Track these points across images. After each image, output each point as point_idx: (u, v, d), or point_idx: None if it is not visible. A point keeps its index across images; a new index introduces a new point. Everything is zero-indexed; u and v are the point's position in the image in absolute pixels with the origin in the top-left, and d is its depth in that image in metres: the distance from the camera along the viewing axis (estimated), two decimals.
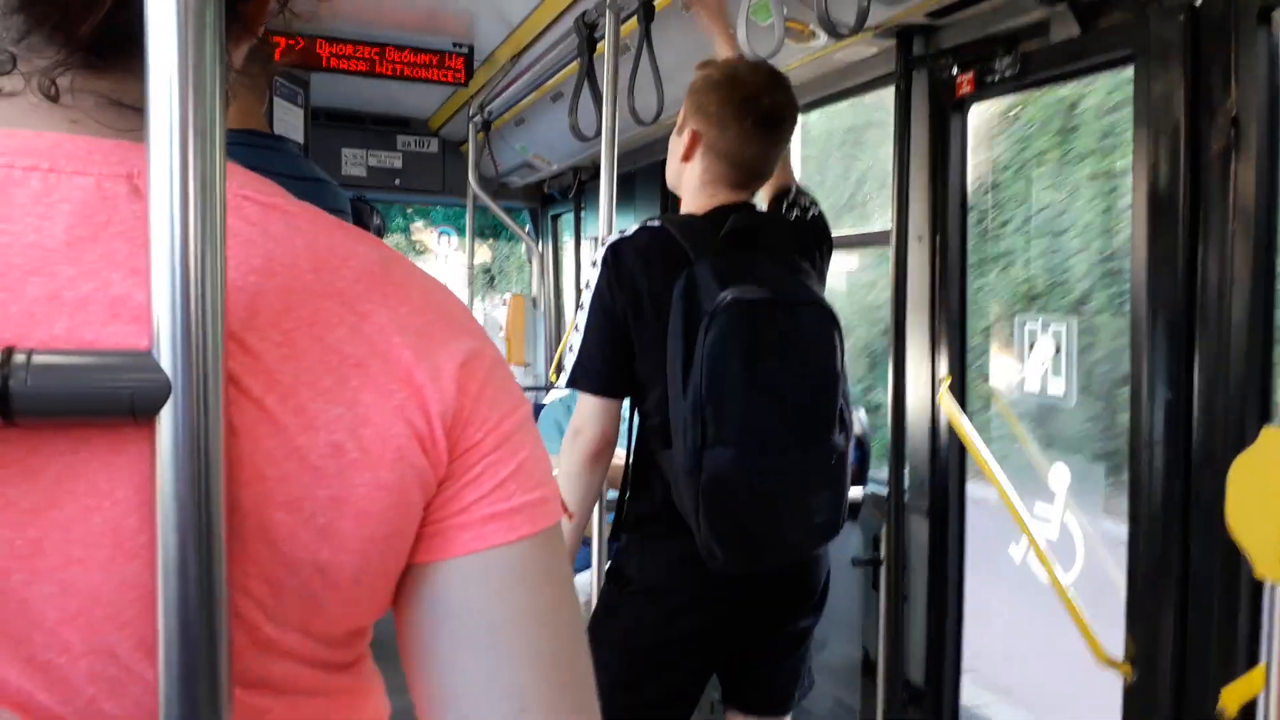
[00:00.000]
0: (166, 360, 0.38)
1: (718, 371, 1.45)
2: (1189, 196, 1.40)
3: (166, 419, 0.38)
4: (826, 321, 1.55)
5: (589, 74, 2.34)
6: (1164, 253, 1.44)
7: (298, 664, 0.48)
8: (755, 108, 1.59)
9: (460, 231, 4.83)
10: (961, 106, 1.97)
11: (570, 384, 1.61)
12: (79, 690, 0.42)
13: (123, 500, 0.41)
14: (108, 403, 0.39)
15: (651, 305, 1.54)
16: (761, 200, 1.76)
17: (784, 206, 1.76)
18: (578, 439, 1.59)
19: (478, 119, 3.73)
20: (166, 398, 0.38)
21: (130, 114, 0.45)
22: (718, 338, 1.45)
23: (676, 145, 1.68)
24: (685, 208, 1.68)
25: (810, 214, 1.76)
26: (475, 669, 0.49)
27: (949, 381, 1.96)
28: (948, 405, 1.92)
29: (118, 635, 0.42)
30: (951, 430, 1.96)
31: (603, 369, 1.58)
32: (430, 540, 0.49)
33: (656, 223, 1.61)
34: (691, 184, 1.67)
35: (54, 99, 0.44)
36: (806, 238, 1.72)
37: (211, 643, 0.40)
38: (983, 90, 1.89)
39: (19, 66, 0.45)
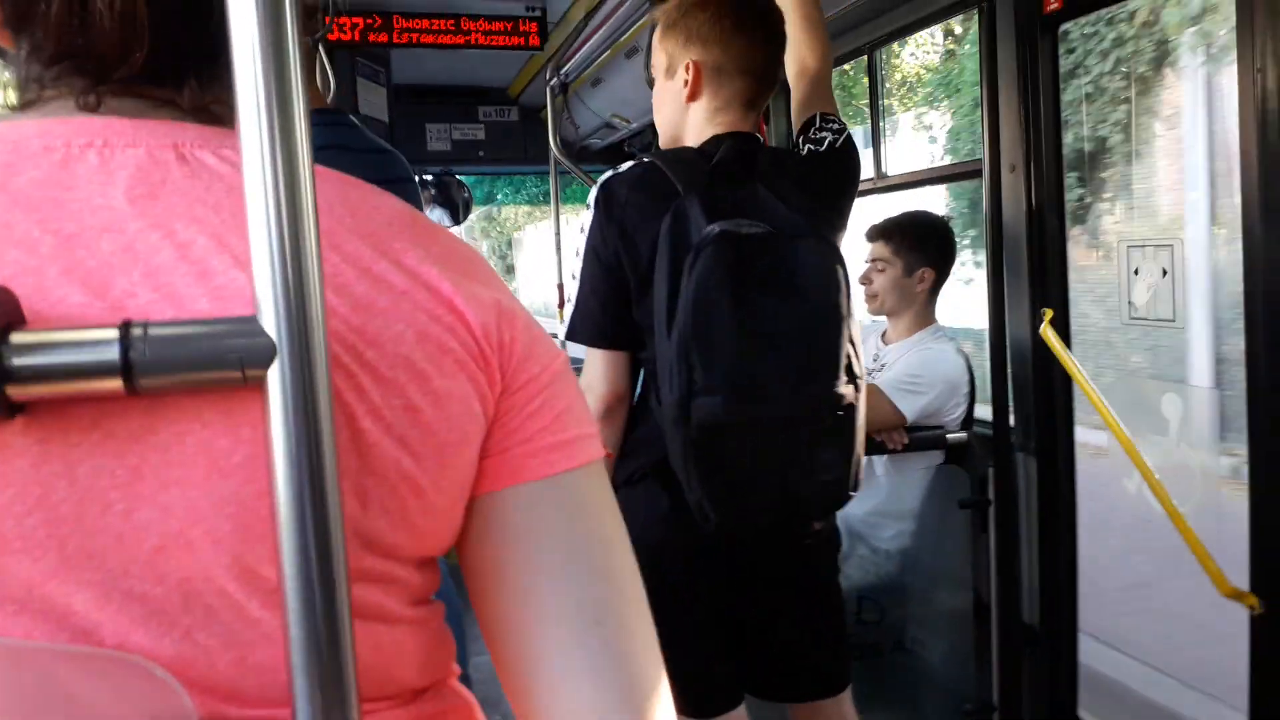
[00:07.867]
0: (270, 324, 0.41)
1: (704, 311, 1.31)
2: None
3: (274, 378, 0.41)
4: (829, 257, 1.39)
5: None
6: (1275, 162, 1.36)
7: (379, 587, 0.50)
8: (750, 11, 1.52)
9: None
10: (1050, 26, 1.89)
11: (569, 337, 1.52)
12: (174, 622, 0.44)
13: (211, 422, 0.44)
14: (219, 365, 0.41)
15: (646, 245, 1.41)
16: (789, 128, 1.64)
17: (801, 139, 1.63)
18: (588, 396, 1.44)
19: (554, 83, 3.74)
20: (272, 359, 0.41)
21: (165, 108, 0.51)
22: (703, 274, 1.31)
23: (670, 91, 1.57)
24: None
25: (825, 146, 1.60)
26: (549, 589, 0.52)
27: (1050, 315, 1.89)
28: (1050, 339, 1.86)
29: (214, 554, 0.44)
30: (1057, 364, 1.90)
31: (601, 319, 1.47)
32: (499, 469, 0.53)
33: (647, 158, 1.50)
34: (698, 122, 1.55)
35: (93, 109, 0.49)
36: (818, 171, 1.58)
37: (331, 604, 0.41)
38: (1071, 7, 1.80)
39: (51, 88, 0.50)
